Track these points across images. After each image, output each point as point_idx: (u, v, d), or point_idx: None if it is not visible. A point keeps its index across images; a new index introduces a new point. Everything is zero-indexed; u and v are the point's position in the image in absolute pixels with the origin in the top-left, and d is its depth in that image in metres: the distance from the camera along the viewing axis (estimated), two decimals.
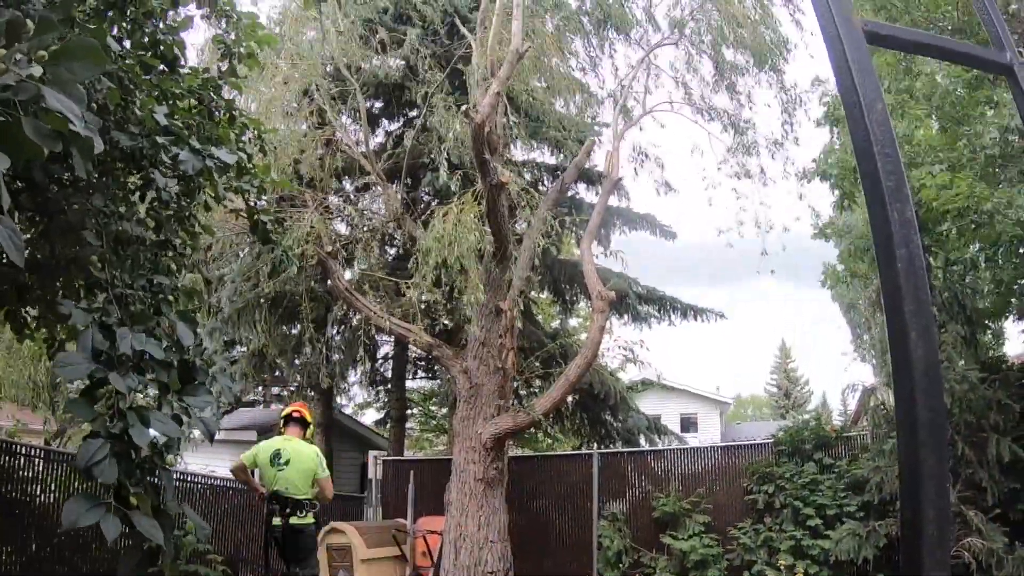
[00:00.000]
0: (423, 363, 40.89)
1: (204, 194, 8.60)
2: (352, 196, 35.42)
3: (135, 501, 6.10)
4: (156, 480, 6.53)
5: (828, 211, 28.14)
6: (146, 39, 8.23)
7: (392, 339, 33.98)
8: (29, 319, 8.62)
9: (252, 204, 9.41)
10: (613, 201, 30.11)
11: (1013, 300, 24.28)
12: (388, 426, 44.29)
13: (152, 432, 6.14)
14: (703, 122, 24.83)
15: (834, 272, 31.10)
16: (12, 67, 4.04)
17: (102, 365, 5.95)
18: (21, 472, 19.34)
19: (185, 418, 6.71)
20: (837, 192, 25.26)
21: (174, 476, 8.63)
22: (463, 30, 23.07)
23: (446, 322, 20.93)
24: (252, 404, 44.60)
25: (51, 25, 4.60)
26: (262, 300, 29.83)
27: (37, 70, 4.11)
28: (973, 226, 20.02)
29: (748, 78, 23.72)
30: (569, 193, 34.76)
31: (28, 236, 7.75)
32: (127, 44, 8.22)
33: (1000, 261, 22.52)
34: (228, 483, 26.40)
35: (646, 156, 26.25)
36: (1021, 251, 21.86)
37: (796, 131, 23.59)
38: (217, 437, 8.04)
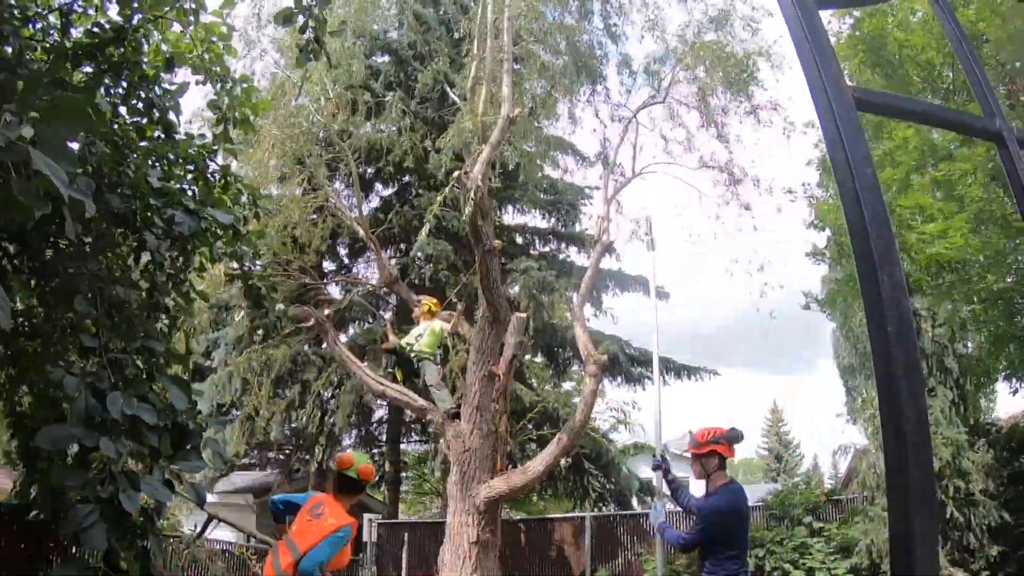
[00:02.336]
0: (417, 426, 40.87)
1: (199, 256, 8.64)
2: (346, 261, 35.54)
3: (125, 566, 6.13)
4: (146, 545, 6.55)
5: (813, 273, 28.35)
6: (141, 104, 8.30)
7: (386, 403, 33.96)
8: (20, 390, 8.63)
9: (247, 268, 9.45)
10: (605, 263, 30.15)
11: (1007, 352, 24.33)
12: (383, 489, 44.18)
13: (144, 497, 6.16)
14: (692, 177, 25.02)
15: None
16: (2, 129, 4.06)
17: (93, 430, 5.97)
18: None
19: (176, 483, 6.74)
20: (834, 246, 25.38)
21: (169, 539, 8.61)
22: (452, 96, 23.16)
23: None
24: (247, 468, 44.44)
25: (39, 85, 4.66)
26: (255, 364, 29.90)
27: (28, 131, 4.13)
28: (962, 281, 20.17)
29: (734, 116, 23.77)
30: (560, 256, 34.92)
31: (24, 305, 7.81)
32: (122, 109, 8.29)
33: (992, 316, 22.62)
34: (224, 546, 26.35)
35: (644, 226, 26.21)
36: (1014, 306, 21.97)
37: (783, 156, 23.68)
38: (213, 500, 8.07)
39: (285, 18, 7.94)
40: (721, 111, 23.73)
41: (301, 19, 7.89)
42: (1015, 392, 25.83)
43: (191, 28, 8.62)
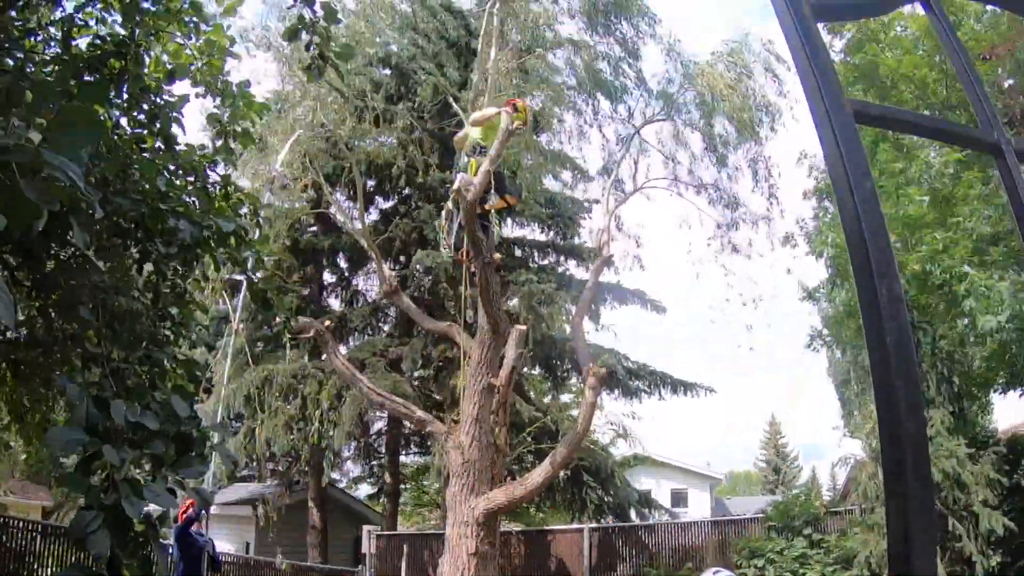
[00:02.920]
0: (416, 438, 40.89)
1: (202, 264, 8.64)
2: (346, 272, 35.55)
3: (128, 574, 6.15)
4: (149, 553, 6.57)
5: (813, 281, 28.31)
6: (143, 115, 8.30)
7: (386, 414, 33.97)
8: (25, 402, 8.65)
9: (250, 275, 9.45)
10: (604, 277, 30.16)
11: (1001, 372, 24.29)
12: (381, 500, 44.18)
13: (145, 507, 6.18)
14: (692, 196, 24.96)
15: (820, 336, 31.14)
16: (10, 131, 4.04)
17: (97, 438, 5.99)
18: (18, 547, 19.33)
19: (180, 491, 6.75)
20: (832, 269, 25.42)
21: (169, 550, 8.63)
22: (455, 108, 23.19)
23: (438, 398, 20.96)
24: (246, 479, 44.40)
25: (51, 93, 4.67)
26: (256, 376, 29.93)
27: (36, 136, 4.12)
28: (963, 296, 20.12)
29: (737, 151, 23.86)
30: (560, 270, 34.98)
31: (25, 316, 7.82)
32: (123, 121, 8.30)
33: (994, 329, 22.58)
34: (223, 557, 26.38)
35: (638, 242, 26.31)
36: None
37: (780, 203, 23.70)
38: (213, 511, 8.07)
39: (291, 34, 7.95)
40: (721, 140, 23.80)
41: (306, 36, 7.91)
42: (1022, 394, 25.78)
43: (192, 40, 8.64)
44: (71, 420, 6.14)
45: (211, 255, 8.43)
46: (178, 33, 8.57)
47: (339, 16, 8.52)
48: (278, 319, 9.62)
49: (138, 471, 6.53)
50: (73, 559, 19.18)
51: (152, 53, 8.58)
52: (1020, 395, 25.95)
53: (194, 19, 8.40)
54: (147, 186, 7.55)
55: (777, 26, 2.36)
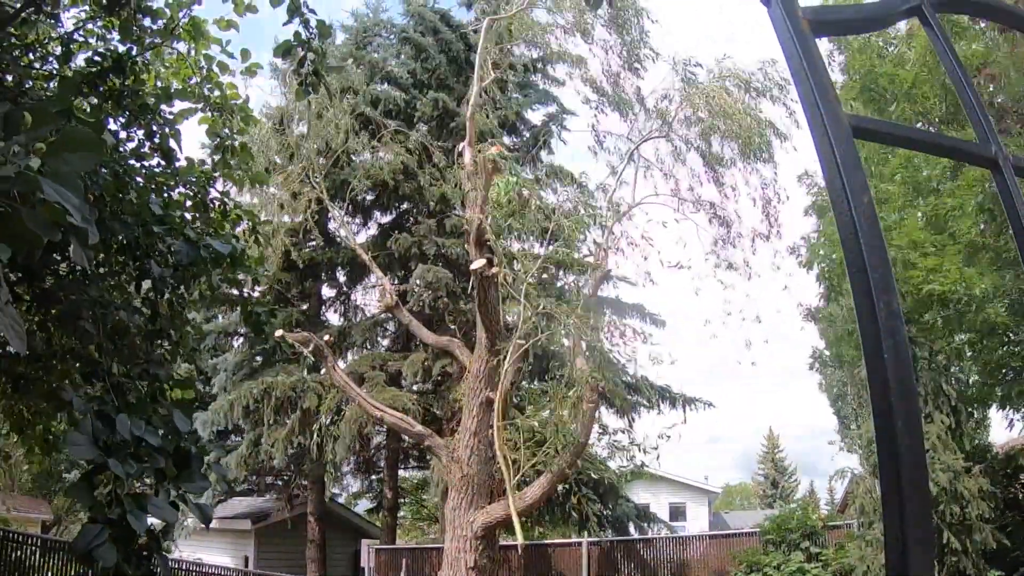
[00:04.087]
0: (415, 452, 40.84)
1: (199, 284, 8.63)
2: (345, 286, 35.52)
3: None
4: (153, 567, 6.57)
5: (813, 299, 28.21)
6: (142, 131, 8.30)
7: (385, 429, 33.92)
8: (26, 414, 8.65)
9: (247, 295, 9.45)
10: (602, 291, 30.09)
11: (998, 390, 24.22)
12: (381, 515, 44.10)
13: (149, 520, 6.18)
14: (690, 213, 24.88)
15: (821, 357, 31.06)
16: (10, 159, 4.05)
17: (101, 451, 5.98)
18: (18, 561, 19.31)
19: (181, 505, 6.75)
20: (825, 284, 25.37)
21: (169, 563, 8.56)
22: (452, 124, 23.20)
23: (438, 412, 20.95)
24: (247, 493, 44.33)
25: (48, 117, 4.68)
26: (255, 390, 29.91)
27: (35, 162, 4.13)
28: (959, 314, 20.06)
29: (734, 169, 23.78)
30: (558, 283, 34.97)
31: (26, 327, 7.83)
32: (123, 135, 8.30)
33: (984, 346, 22.51)
34: (221, 570, 26.33)
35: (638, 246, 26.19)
36: (1008, 336, 21.89)
37: (779, 217, 23.60)
38: (213, 526, 8.04)
39: (284, 51, 7.95)
40: (716, 159, 23.72)
41: (300, 52, 7.90)
42: (1010, 425, 25.76)
43: (191, 55, 8.64)
44: (79, 432, 6.15)
45: (207, 276, 8.43)
46: (174, 50, 8.58)
47: (332, 31, 8.53)
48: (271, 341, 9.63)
49: (140, 485, 6.54)
50: (73, 573, 19.18)
51: (151, 69, 8.58)
52: (1008, 424, 25.95)
53: (192, 31, 8.40)
54: (142, 208, 7.54)
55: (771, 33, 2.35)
